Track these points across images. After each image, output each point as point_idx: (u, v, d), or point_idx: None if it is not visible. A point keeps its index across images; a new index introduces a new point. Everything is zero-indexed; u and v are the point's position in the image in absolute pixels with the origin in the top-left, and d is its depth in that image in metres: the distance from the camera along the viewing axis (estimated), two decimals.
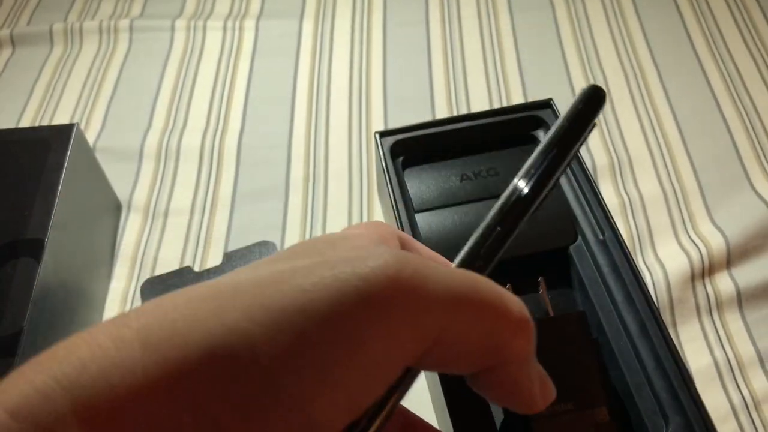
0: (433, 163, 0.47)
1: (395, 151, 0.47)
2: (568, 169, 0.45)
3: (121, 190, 0.53)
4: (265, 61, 0.62)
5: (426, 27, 0.63)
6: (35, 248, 0.37)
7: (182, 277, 0.47)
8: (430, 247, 0.40)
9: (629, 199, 0.51)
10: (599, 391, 0.37)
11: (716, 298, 0.46)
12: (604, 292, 0.41)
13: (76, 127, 0.44)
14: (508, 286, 0.42)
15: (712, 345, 0.44)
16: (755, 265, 0.47)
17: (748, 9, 0.64)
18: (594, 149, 0.54)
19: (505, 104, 0.57)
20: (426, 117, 0.56)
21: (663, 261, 0.47)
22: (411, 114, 0.57)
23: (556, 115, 0.47)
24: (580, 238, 0.43)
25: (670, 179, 0.52)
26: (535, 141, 0.48)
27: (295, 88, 0.59)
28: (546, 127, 0.47)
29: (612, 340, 0.39)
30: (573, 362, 0.38)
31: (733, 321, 0.45)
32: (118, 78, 0.61)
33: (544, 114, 0.48)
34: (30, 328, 0.35)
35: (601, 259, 0.42)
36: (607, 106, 0.57)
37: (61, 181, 0.41)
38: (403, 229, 0.42)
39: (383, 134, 0.47)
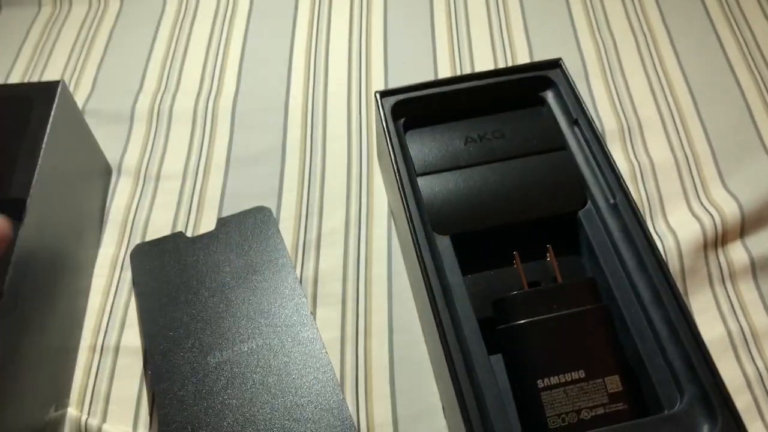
0: (436, 125, 0.45)
1: (396, 112, 0.44)
2: (578, 132, 0.43)
3: (111, 154, 0.51)
4: (262, 20, 0.59)
5: None
6: (16, 208, 0.35)
7: (174, 242, 0.45)
8: (433, 212, 0.39)
9: (639, 165, 0.49)
10: (611, 360, 0.36)
11: (729, 268, 0.44)
12: (614, 257, 0.39)
13: (61, 83, 0.42)
14: (515, 254, 0.40)
15: (725, 315, 0.43)
16: None
17: None
18: (603, 114, 0.52)
19: (510, 64, 0.55)
20: (428, 77, 0.54)
21: (674, 229, 0.45)
22: (413, 74, 0.54)
23: (565, 76, 0.45)
24: (589, 202, 0.41)
25: (682, 145, 0.50)
26: (544, 102, 0.46)
27: (293, 48, 0.57)
28: (555, 88, 0.45)
29: (623, 307, 0.37)
30: (583, 330, 0.36)
31: (748, 291, 0.44)
32: (109, 39, 0.59)
33: (552, 74, 0.46)
34: (10, 291, 0.33)
35: (612, 224, 0.40)
36: (616, 70, 0.55)
37: (45, 140, 0.39)
38: (404, 192, 0.40)
39: (384, 94, 0.45)
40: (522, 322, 0.36)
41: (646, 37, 0.57)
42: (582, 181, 0.42)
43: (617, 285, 0.38)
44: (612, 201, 0.40)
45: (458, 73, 0.54)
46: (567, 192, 0.42)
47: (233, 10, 0.60)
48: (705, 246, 0.44)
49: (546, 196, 0.42)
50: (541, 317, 0.36)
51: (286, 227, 0.47)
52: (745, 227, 0.45)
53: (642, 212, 0.46)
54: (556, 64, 0.46)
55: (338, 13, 0.59)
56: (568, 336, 0.36)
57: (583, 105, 0.43)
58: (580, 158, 0.43)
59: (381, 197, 0.48)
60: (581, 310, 0.36)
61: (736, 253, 0.45)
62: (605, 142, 0.41)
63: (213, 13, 0.60)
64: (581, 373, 0.35)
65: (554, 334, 0.36)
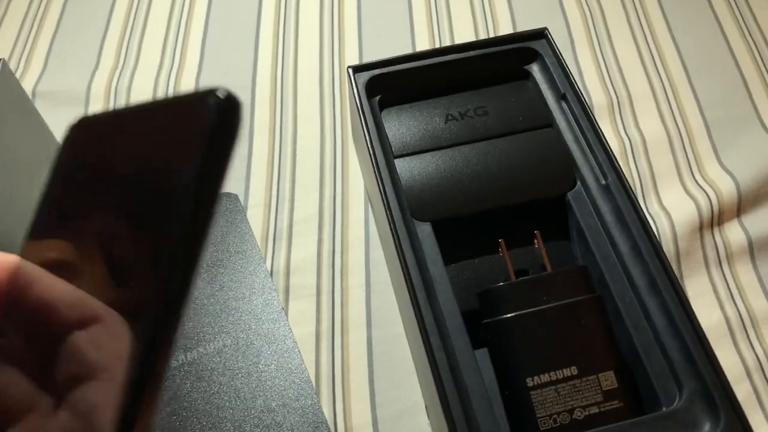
0: (415, 102, 0.42)
1: (371, 88, 0.41)
2: (566, 107, 0.41)
3: None
4: None
5: None
6: None
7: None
8: (412, 197, 0.36)
9: (630, 141, 0.46)
10: (605, 354, 0.33)
11: (726, 249, 0.42)
12: (607, 242, 0.36)
13: (2, 63, 0.38)
14: (500, 241, 0.37)
15: (722, 300, 0.40)
16: None
17: None
18: (591, 87, 0.49)
19: (492, 35, 0.51)
20: (405, 50, 0.51)
21: (668, 209, 0.43)
22: (389, 47, 0.51)
23: (552, 47, 0.42)
24: (579, 183, 0.39)
25: (674, 118, 0.48)
26: (529, 76, 0.43)
27: (260, 18, 0.53)
28: (541, 60, 0.42)
29: (617, 297, 0.35)
30: (574, 323, 0.33)
31: (745, 273, 0.41)
32: (62, 12, 0.54)
33: (538, 45, 0.43)
34: None
35: (604, 206, 0.37)
36: (604, 40, 0.52)
37: None
38: (380, 176, 0.37)
39: (357, 69, 0.41)
40: (508, 315, 0.33)
41: (635, 4, 0.54)
42: (571, 160, 0.39)
43: (610, 272, 0.36)
44: (603, 182, 0.37)
45: (437, 45, 0.51)
46: (555, 173, 0.39)
47: None
48: (701, 227, 0.42)
49: (533, 178, 0.39)
50: (529, 310, 0.33)
51: (255, 215, 0.43)
52: (742, 206, 0.43)
53: (634, 193, 0.44)
54: (541, 34, 0.43)
55: None
56: (559, 330, 0.33)
57: (572, 78, 0.40)
58: (568, 136, 0.40)
59: (357, 181, 0.45)
60: (572, 302, 0.33)
61: (733, 233, 0.42)
62: (595, 119, 0.38)
63: None
64: (573, 370, 0.32)
65: (544, 328, 0.33)
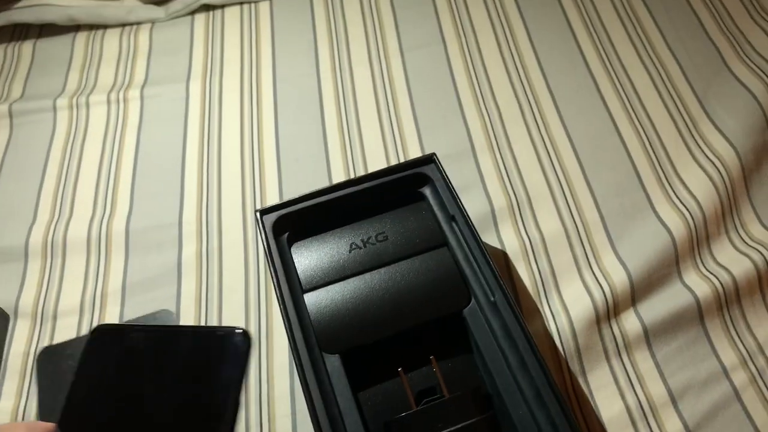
0: (321, 234, 0.45)
1: (279, 228, 0.45)
2: (456, 228, 0.44)
3: (7, 295, 0.50)
4: (153, 131, 0.59)
5: (317, 78, 0.61)
6: None
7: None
8: (320, 330, 0.38)
9: (530, 241, 0.50)
10: None
11: (624, 339, 0.45)
12: (500, 357, 0.39)
13: None
14: (399, 370, 0.40)
15: (623, 389, 0.43)
16: (660, 297, 0.46)
17: (639, 20, 0.63)
18: (492, 192, 0.52)
19: (401, 155, 0.55)
20: (322, 179, 0.54)
21: (567, 306, 0.46)
22: (307, 174, 0.55)
23: (440, 171, 0.46)
24: (473, 300, 0.42)
25: (572, 214, 0.51)
26: (424, 198, 0.46)
27: (185, 157, 0.57)
28: (432, 184, 0.46)
29: (511, 409, 0.38)
30: None
31: (643, 360, 0.44)
32: (0, 169, 0.58)
33: (428, 170, 0.46)
34: None
35: (494, 323, 0.40)
36: (504, 144, 0.55)
37: None
38: (287, 314, 0.40)
39: (264, 212, 0.45)
40: None
41: (530, 102, 0.58)
42: (465, 278, 0.42)
43: (503, 385, 0.38)
44: (492, 299, 0.41)
45: (350, 168, 0.55)
46: (451, 291, 0.42)
47: (123, 122, 0.60)
48: (598, 320, 0.45)
49: (432, 298, 0.42)
50: None
51: None
52: (635, 294, 0.46)
53: (536, 292, 0.47)
54: (430, 159, 0.46)
55: (229, 115, 0.60)
56: None
57: (458, 200, 0.44)
58: (460, 255, 0.43)
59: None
60: (468, 425, 0.36)
61: (630, 322, 0.45)
62: (480, 238, 0.42)
63: (104, 127, 0.60)
64: None
65: None
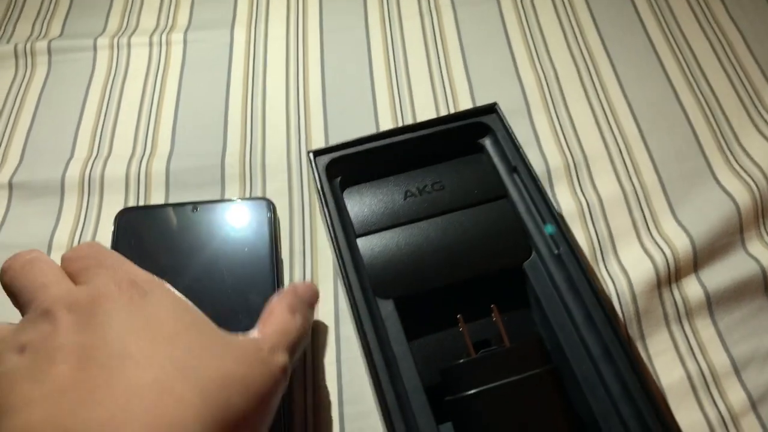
0: (375, 181, 0.44)
1: (332, 171, 0.43)
2: (518, 180, 0.42)
3: (42, 230, 0.48)
4: (196, 76, 0.57)
5: (365, 30, 0.60)
6: None
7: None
8: (374, 276, 0.37)
9: (587, 202, 0.48)
10: (565, 425, 0.34)
11: (685, 305, 0.43)
12: (563, 312, 0.38)
13: None
14: (459, 317, 0.38)
15: (683, 356, 0.41)
16: (723, 265, 0.44)
17: None
18: (547, 151, 0.50)
19: (452, 109, 0.53)
20: (369, 127, 0.53)
21: (627, 269, 0.44)
22: (353, 125, 0.53)
23: (501, 121, 0.44)
24: (534, 252, 0.40)
25: (630, 177, 0.49)
26: (482, 149, 0.44)
27: (228, 103, 0.55)
28: (492, 134, 0.44)
29: (574, 365, 0.36)
30: (534, 395, 0.34)
31: (704, 328, 0.42)
32: (38, 105, 0.56)
33: (489, 120, 0.44)
34: None
35: (558, 276, 0.38)
36: (558, 102, 0.53)
37: None
38: (341, 256, 0.39)
39: (317, 153, 0.43)
40: (469, 393, 0.34)
41: (587, 63, 0.56)
42: (525, 231, 0.41)
43: (567, 341, 0.37)
44: (556, 251, 0.39)
45: (399, 118, 0.53)
46: (511, 244, 0.40)
47: (165, 66, 0.58)
48: (659, 285, 0.43)
49: (490, 250, 0.40)
50: (488, 386, 0.34)
51: None
52: (698, 261, 0.44)
53: (593, 254, 0.45)
54: (491, 109, 0.44)
55: (274, 62, 0.58)
56: (519, 403, 0.34)
57: (521, 151, 0.42)
58: (521, 207, 0.41)
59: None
60: (529, 375, 0.34)
61: (691, 288, 0.44)
62: (544, 190, 0.40)
63: (145, 71, 0.58)
64: None
65: (504, 403, 0.34)
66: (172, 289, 0.31)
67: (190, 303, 0.31)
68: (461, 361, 0.36)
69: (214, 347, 0.29)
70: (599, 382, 0.35)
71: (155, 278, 0.32)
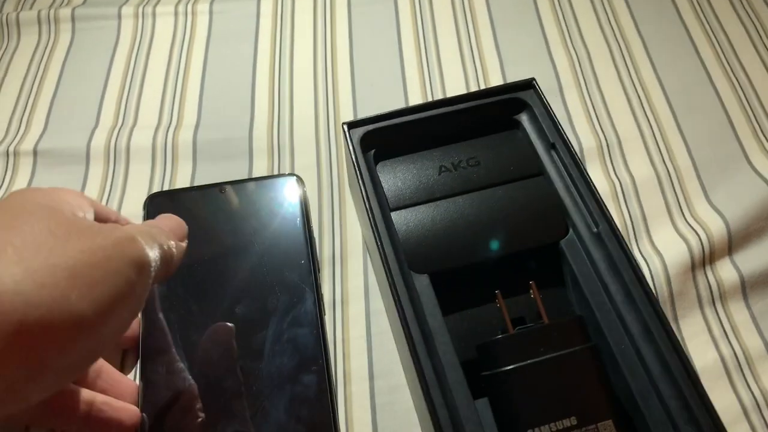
0: (409, 155, 0.43)
1: (366, 143, 0.42)
2: (555, 156, 0.42)
3: None
4: (222, 47, 0.57)
5: (395, 4, 0.59)
6: None
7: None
8: (409, 250, 0.37)
9: (620, 183, 0.47)
10: (603, 404, 0.34)
11: (719, 288, 0.43)
12: (601, 290, 0.37)
13: None
14: (497, 293, 0.38)
15: (717, 339, 0.41)
16: (758, 249, 0.44)
17: None
18: (580, 131, 0.50)
19: (482, 85, 0.53)
20: (398, 103, 0.52)
21: (660, 250, 0.44)
22: (382, 100, 0.52)
23: (540, 97, 0.43)
24: (572, 231, 0.39)
25: (663, 159, 0.49)
26: (519, 126, 0.44)
27: (255, 75, 0.54)
28: (530, 110, 0.43)
29: (613, 343, 0.35)
30: (572, 373, 0.34)
31: (738, 311, 0.42)
32: (61, 72, 0.56)
33: (526, 95, 0.44)
34: None
35: (596, 254, 0.38)
36: (591, 83, 0.53)
37: None
38: (377, 230, 0.38)
39: (352, 125, 0.43)
40: (507, 368, 0.34)
41: (620, 46, 0.55)
42: (563, 208, 0.40)
43: (605, 319, 0.36)
44: (595, 230, 0.38)
45: (429, 94, 0.52)
46: (548, 221, 0.40)
47: (191, 37, 0.57)
48: (693, 267, 0.43)
49: (526, 227, 0.40)
50: (527, 362, 0.34)
51: None
52: (732, 244, 0.44)
53: (626, 234, 0.45)
54: (529, 85, 0.44)
55: (301, 35, 0.57)
56: (557, 380, 0.34)
57: (560, 127, 0.41)
58: (559, 184, 0.41)
59: (355, 231, 0.46)
60: (569, 352, 0.34)
61: (725, 271, 0.43)
62: (584, 167, 0.39)
63: (170, 41, 0.57)
64: (573, 420, 0.33)
65: (542, 379, 0.34)
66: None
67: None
68: (499, 336, 0.35)
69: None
70: (638, 361, 0.35)
71: None
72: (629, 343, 0.35)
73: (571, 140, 0.49)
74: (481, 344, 0.36)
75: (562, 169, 0.41)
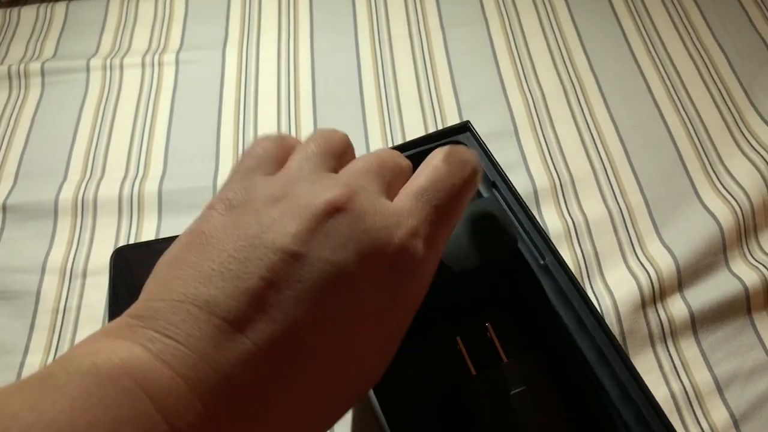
0: None
1: None
2: (497, 194, 0.43)
3: (35, 252, 0.49)
4: (187, 97, 0.58)
5: (356, 51, 0.60)
6: None
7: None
8: None
9: (573, 222, 0.48)
10: None
11: (670, 324, 0.44)
12: (554, 320, 0.38)
13: None
14: (458, 338, 0.39)
15: (667, 375, 0.42)
16: (707, 284, 0.45)
17: (686, 11, 0.62)
18: (534, 172, 0.51)
19: (440, 123, 0.54)
20: (360, 148, 0.53)
21: (612, 288, 0.45)
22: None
23: (476, 139, 0.45)
24: (520, 262, 0.40)
25: (615, 197, 0.50)
26: None
27: (220, 123, 0.56)
28: None
29: (571, 373, 0.36)
30: (537, 408, 0.35)
31: (689, 347, 0.43)
32: (30, 128, 0.57)
33: (463, 138, 0.45)
34: None
35: (547, 286, 0.39)
36: (546, 124, 0.54)
37: None
38: None
39: None
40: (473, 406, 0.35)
41: (574, 84, 0.57)
42: (512, 224, 0.41)
43: (560, 348, 0.37)
44: (542, 262, 0.39)
45: (389, 138, 0.54)
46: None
47: (158, 87, 0.59)
48: (643, 305, 0.44)
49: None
50: (490, 399, 0.35)
51: None
52: (682, 280, 0.45)
53: (579, 273, 0.46)
54: (465, 128, 0.45)
55: (265, 83, 0.59)
56: (523, 416, 0.35)
57: (498, 167, 0.43)
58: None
59: None
60: (531, 387, 0.35)
61: (676, 308, 0.44)
62: (524, 203, 0.41)
63: (137, 91, 0.59)
64: None
65: (509, 416, 0.35)
66: None
67: None
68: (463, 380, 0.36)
69: None
70: (597, 387, 0.36)
71: None
72: (587, 369, 0.36)
73: (526, 181, 0.51)
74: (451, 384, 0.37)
75: (505, 207, 0.42)
